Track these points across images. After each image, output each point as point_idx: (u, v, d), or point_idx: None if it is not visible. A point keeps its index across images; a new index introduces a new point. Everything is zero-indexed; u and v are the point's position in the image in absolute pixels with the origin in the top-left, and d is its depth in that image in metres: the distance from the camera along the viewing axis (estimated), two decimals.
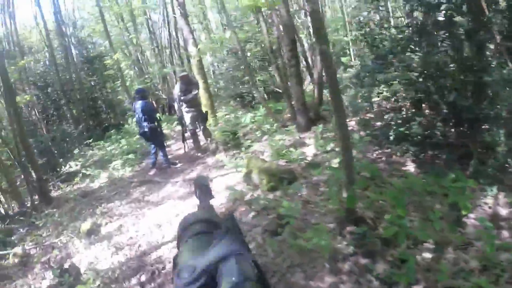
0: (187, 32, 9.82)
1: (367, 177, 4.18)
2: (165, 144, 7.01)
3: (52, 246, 5.06)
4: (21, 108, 11.76)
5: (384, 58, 4.79)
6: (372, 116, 6.63)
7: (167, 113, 14.43)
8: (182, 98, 6.76)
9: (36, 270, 4.53)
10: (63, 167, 9.69)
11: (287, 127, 6.63)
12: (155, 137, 6.68)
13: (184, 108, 6.86)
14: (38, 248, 5.11)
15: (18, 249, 5.04)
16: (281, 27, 6.54)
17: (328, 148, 5.21)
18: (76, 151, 10.88)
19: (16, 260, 4.91)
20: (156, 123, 6.62)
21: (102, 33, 15.50)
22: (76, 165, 10.00)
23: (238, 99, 10.55)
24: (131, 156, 8.47)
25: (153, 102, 6.81)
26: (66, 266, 4.13)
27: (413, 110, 4.98)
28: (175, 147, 8.73)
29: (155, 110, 6.63)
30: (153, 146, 6.83)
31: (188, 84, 6.77)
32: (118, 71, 12.71)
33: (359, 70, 5.29)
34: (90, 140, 11.68)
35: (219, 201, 4.64)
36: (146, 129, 6.53)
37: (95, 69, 13.96)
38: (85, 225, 4.90)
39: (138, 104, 6.51)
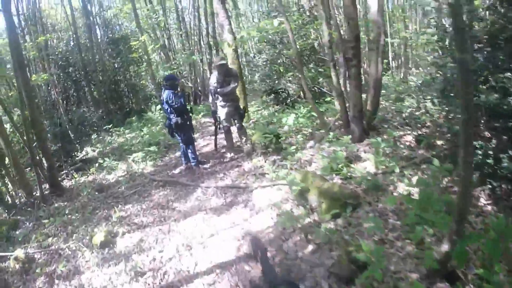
0: (223, 17, 8.93)
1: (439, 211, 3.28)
2: (194, 140, 6.13)
3: (59, 253, 4.32)
4: (40, 86, 11.18)
5: (477, 74, 3.82)
6: (427, 131, 5.68)
7: (192, 103, 13.70)
8: (218, 90, 5.85)
9: (39, 284, 3.79)
10: (79, 152, 9.00)
11: (336, 134, 5.72)
12: (182, 132, 5.86)
13: (220, 102, 5.95)
14: (42, 254, 4.37)
15: (20, 252, 4.34)
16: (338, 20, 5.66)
17: (397, 170, 4.23)
18: (94, 136, 10.20)
19: (17, 266, 4.24)
20: (185, 116, 5.78)
21: (129, 14, 14.84)
22: (93, 151, 9.35)
23: (272, 94, 9.61)
24: (153, 148, 7.65)
25: (183, 90, 5.81)
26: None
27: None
28: (202, 143, 7.87)
29: (184, 102, 5.74)
30: (180, 141, 6.03)
31: (226, 74, 5.83)
32: (145, 54, 11.93)
33: (443, 84, 4.28)
34: (110, 126, 11.01)
35: (264, 223, 3.76)
36: (172, 122, 5.73)
37: (120, 51, 13.26)
38: (99, 236, 4.09)
39: (165, 94, 5.68)
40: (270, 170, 4.86)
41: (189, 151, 5.95)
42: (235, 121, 6.04)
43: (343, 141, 5.07)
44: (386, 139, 5.19)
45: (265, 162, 5.35)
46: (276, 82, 9.25)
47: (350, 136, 5.23)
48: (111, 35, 13.87)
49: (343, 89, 5.95)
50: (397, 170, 4.27)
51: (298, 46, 8.91)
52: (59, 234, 4.79)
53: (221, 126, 6.16)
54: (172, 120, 5.73)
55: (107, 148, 9.28)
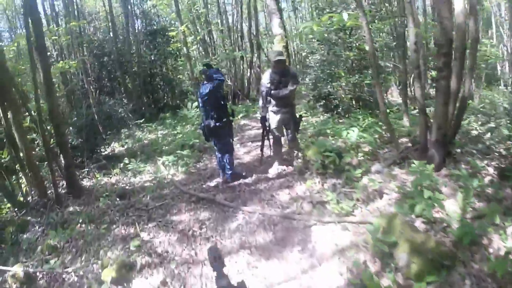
0: (273, 9, 8.03)
1: None
2: (232, 148, 5.12)
3: (63, 278, 3.48)
4: (73, 74, 10.67)
5: None
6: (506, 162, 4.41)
7: (230, 102, 12.85)
8: (272, 92, 4.79)
9: None
10: (106, 146, 8.24)
11: (409, 158, 4.56)
12: (217, 138, 4.87)
13: (272, 107, 4.90)
14: (44, 274, 3.57)
15: (19, 270, 3.60)
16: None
17: (497, 221, 3.03)
18: (124, 130, 9.43)
19: (14, 286, 3.52)
20: (224, 120, 4.74)
21: (168, 6, 14.24)
22: (122, 146, 8.61)
23: (322, 101, 8.47)
24: (186, 152, 6.73)
25: (223, 87, 4.75)
26: None
27: None
28: (242, 150, 6.87)
29: (223, 103, 4.75)
30: (215, 147, 5.07)
31: (284, 74, 4.77)
32: (184, 45, 11.17)
33: None
34: (142, 120, 10.30)
35: (331, 280, 2.70)
36: (204, 124, 4.77)
37: (157, 43, 12.67)
38: (110, 270, 3.16)
39: (202, 89, 4.66)
40: (333, 200, 3.78)
41: (226, 160, 4.95)
42: (288, 130, 5.00)
43: (425, 171, 3.89)
44: (468, 171, 4.00)
45: (323, 186, 4.28)
46: (329, 86, 8.11)
47: (433, 165, 4.05)
48: (149, 27, 13.29)
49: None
50: (498, 220, 3.08)
51: (358, 50, 7.82)
52: (68, 249, 3.98)
53: (271, 135, 5.14)
54: (204, 122, 4.74)
55: (136, 144, 8.52)
